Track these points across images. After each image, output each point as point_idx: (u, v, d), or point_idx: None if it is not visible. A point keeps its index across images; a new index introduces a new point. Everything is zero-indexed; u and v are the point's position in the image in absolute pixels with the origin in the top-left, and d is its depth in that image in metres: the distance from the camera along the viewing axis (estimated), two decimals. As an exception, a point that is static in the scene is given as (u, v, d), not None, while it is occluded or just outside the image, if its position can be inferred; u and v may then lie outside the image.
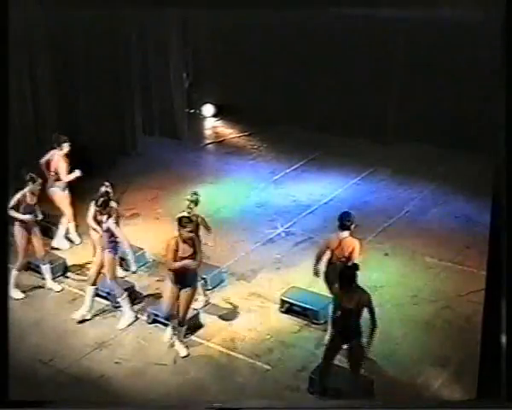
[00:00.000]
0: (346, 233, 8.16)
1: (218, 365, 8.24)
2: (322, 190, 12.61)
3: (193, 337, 8.70)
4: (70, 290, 9.76)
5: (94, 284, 9.09)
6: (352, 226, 8.22)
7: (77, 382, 7.94)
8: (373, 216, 11.60)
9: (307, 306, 8.96)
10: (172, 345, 8.47)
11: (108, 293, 9.40)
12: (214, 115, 16.59)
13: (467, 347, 7.92)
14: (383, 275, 9.88)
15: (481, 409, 6.34)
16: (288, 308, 9.15)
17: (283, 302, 9.20)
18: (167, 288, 8.29)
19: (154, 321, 8.96)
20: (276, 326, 8.92)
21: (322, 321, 8.74)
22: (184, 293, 8.23)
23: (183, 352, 8.38)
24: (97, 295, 9.50)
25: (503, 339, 5.82)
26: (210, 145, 15.44)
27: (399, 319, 8.91)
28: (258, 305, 9.37)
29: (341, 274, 7.20)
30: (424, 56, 13.46)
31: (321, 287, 8.62)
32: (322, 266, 8.35)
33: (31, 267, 10.22)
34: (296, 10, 11.93)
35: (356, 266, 7.27)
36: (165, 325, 8.74)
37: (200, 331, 8.79)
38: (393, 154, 13.89)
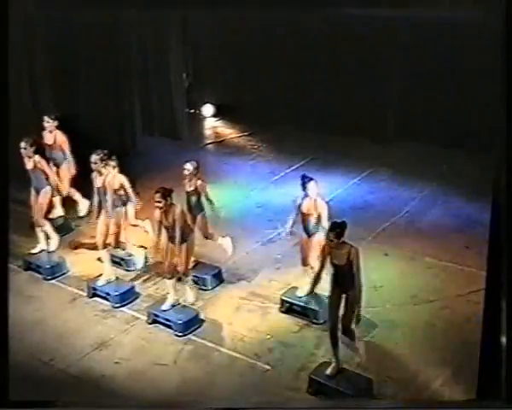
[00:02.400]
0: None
1: (218, 365, 8.24)
2: (322, 190, 12.55)
3: (193, 337, 8.71)
4: (70, 290, 9.77)
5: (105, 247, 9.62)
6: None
7: (77, 382, 7.94)
8: (373, 216, 11.59)
9: (307, 306, 8.96)
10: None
11: (108, 293, 9.42)
12: (214, 115, 16.57)
13: (467, 347, 7.90)
14: (383, 275, 9.87)
15: (481, 409, 6.35)
16: (288, 308, 9.15)
17: (283, 302, 9.20)
18: None
19: (154, 321, 8.97)
20: (276, 326, 8.91)
21: (322, 321, 8.72)
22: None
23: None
24: (97, 295, 9.53)
25: (503, 339, 5.82)
26: (210, 145, 15.42)
27: (399, 319, 8.90)
28: (258, 305, 9.37)
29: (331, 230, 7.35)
30: (424, 56, 13.44)
31: (321, 287, 8.59)
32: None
33: (31, 267, 10.25)
34: (296, 10, 11.94)
35: (344, 223, 7.41)
36: (166, 325, 8.77)
37: (200, 331, 8.80)
38: (393, 153, 13.85)
